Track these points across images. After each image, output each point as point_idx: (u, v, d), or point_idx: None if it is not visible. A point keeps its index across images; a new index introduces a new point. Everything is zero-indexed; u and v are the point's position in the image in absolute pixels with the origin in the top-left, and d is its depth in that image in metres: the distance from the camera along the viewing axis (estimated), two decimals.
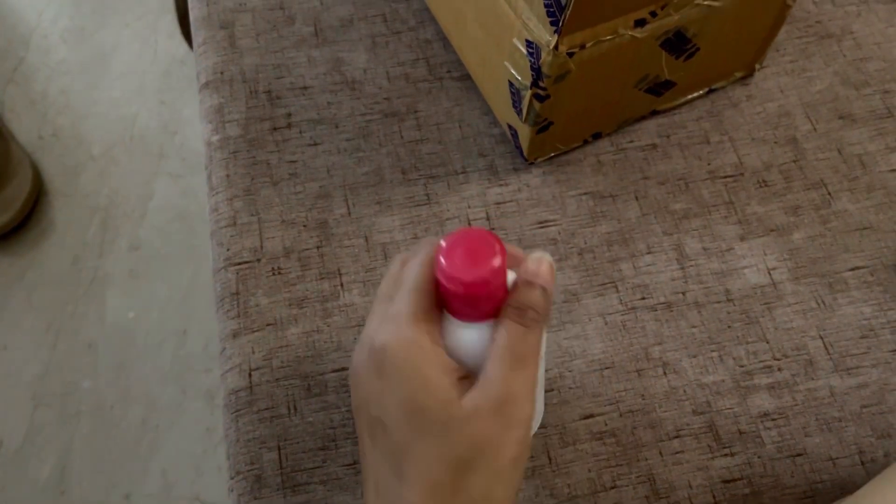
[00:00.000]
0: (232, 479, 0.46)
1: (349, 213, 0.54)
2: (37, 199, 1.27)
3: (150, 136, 1.34)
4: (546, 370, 0.48)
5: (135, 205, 1.27)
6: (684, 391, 0.48)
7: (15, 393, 1.11)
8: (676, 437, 0.46)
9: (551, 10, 0.43)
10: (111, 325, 1.16)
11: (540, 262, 0.31)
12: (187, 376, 1.11)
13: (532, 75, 0.47)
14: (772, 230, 0.53)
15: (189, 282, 1.20)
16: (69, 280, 1.20)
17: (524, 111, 0.50)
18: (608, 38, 0.46)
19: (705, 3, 0.47)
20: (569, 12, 0.42)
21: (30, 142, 1.33)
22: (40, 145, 1.33)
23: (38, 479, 1.04)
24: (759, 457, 0.46)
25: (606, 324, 0.50)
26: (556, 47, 0.44)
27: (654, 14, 0.46)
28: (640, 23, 0.46)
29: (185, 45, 1.39)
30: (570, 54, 0.45)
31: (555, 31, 0.44)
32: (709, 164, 0.56)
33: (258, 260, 0.52)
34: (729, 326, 0.50)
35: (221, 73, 0.60)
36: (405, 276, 0.32)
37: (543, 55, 0.45)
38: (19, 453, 1.06)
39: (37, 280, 1.20)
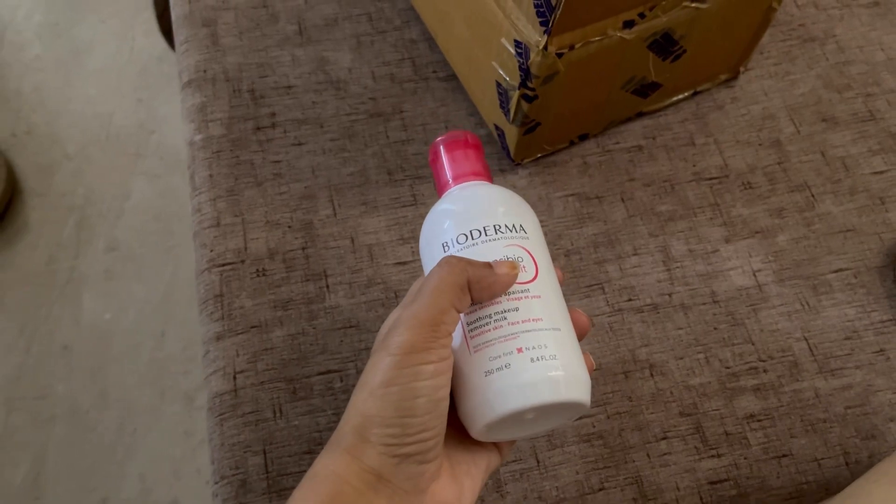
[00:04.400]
0: (216, 483, 0.45)
1: (334, 214, 0.53)
2: (10, 199, 1.25)
3: (126, 135, 1.32)
4: None
5: (111, 204, 1.25)
6: (671, 393, 0.48)
7: None
8: (664, 438, 0.46)
9: (541, 10, 0.43)
10: (87, 328, 1.14)
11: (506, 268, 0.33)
12: (165, 379, 1.10)
13: (520, 76, 0.47)
14: (756, 232, 0.53)
15: (167, 283, 1.18)
16: (43, 281, 1.18)
17: (512, 112, 0.50)
18: (597, 38, 0.45)
19: (693, 4, 0.47)
20: (559, 12, 0.42)
21: (3, 140, 1.31)
22: (14, 143, 1.31)
23: (12, 484, 1.02)
24: (745, 458, 0.46)
25: (593, 325, 0.50)
26: (545, 48, 0.44)
27: (642, 15, 0.46)
28: (628, 24, 0.46)
29: (162, 42, 1.37)
30: (559, 55, 0.45)
31: (544, 32, 0.43)
32: (694, 166, 0.56)
33: (242, 261, 0.51)
34: (715, 328, 0.50)
35: (204, 71, 0.59)
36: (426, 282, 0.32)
37: (532, 55, 0.45)
38: None
39: (10, 281, 1.18)
